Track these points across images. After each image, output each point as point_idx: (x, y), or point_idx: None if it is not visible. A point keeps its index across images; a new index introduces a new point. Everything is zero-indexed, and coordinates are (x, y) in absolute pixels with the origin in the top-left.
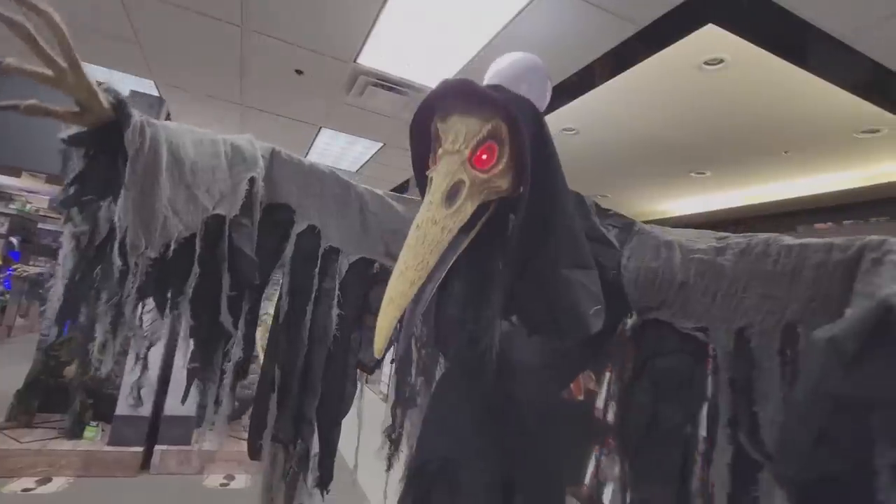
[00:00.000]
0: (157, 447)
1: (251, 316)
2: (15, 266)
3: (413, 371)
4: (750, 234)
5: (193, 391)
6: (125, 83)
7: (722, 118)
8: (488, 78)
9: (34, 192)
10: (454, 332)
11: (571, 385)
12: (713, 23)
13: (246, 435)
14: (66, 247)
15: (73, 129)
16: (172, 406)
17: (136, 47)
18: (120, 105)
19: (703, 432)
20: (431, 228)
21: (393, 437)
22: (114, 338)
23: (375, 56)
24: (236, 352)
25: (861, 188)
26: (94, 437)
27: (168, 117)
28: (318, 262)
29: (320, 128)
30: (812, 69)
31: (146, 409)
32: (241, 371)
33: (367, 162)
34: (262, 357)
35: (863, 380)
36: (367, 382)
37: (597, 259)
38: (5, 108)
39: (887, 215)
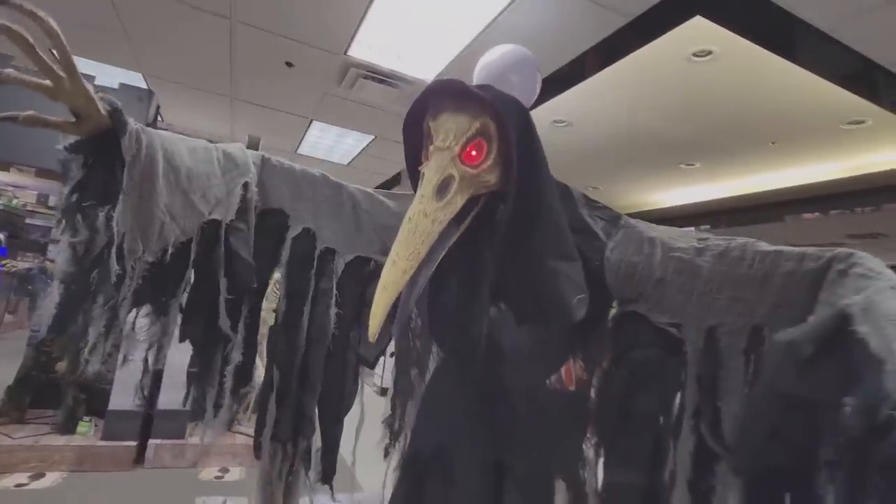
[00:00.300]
0: (151, 441)
1: (251, 320)
2: (3, 262)
3: (411, 362)
4: (730, 237)
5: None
6: (113, 76)
7: (711, 110)
8: (479, 70)
9: (21, 187)
10: (446, 320)
11: (563, 375)
12: (701, 14)
13: (240, 428)
14: (64, 256)
15: (72, 139)
16: (166, 400)
17: (123, 39)
18: (116, 113)
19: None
20: (423, 220)
21: (394, 428)
22: (105, 340)
23: (366, 48)
24: (236, 356)
25: (847, 178)
26: (87, 433)
27: (158, 111)
28: (315, 263)
29: (311, 120)
30: (798, 61)
31: (139, 404)
32: (244, 375)
33: (358, 154)
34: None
35: (813, 382)
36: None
37: (581, 250)
38: (4, 120)
39: (872, 205)
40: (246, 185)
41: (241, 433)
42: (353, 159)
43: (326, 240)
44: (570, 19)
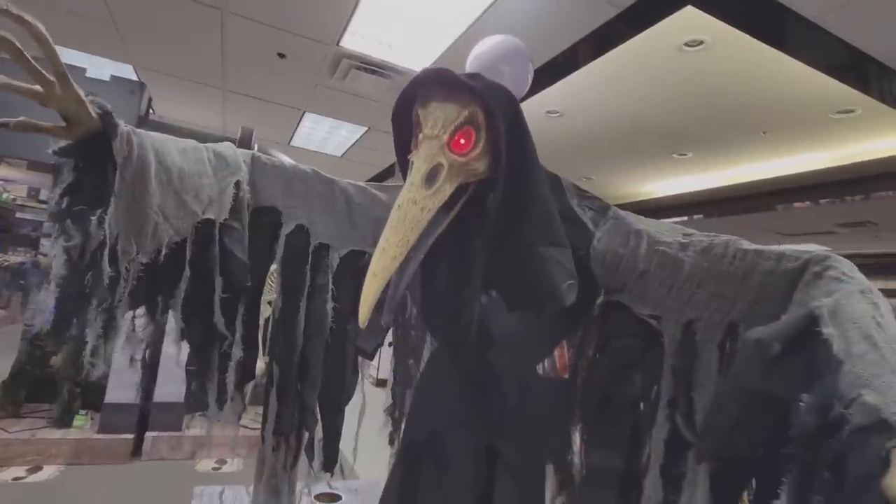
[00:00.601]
0: (148, 434)
1: (249, 317)
2: None
3: (409, 353)
4: (714, 234)
5: (182, 376)
6: (104, 68)
7: (703, 99)
8: (470, 60)
9: (11, 181)
10: (437, 308)
11: (557, 363)
12: (692, 4)
13: (239, 421)
14: (59, 260)
15: (62, 143)
16: (162, 392)
17: (114, 30)
18: (106, 115)
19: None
20: (412, 208)
21: (395, 416)
22: (105, 342)
23: (358, 39)
24: (237, 352)
25: (837, 167)
26: (83, 426)
27: (150, 103)
28: (309, 259)
29: (304, 112)
30: (789, 51)
31: (135, 396)
32: (247, 371)
33: (351, 146)
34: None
35: (777, 379)
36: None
37: (568, 239)
38: None
39: (861, 193)
40: (238, 184)
41: (238, 425)
42: (346, 151)
43: (320, 235)
44: (561, 9)
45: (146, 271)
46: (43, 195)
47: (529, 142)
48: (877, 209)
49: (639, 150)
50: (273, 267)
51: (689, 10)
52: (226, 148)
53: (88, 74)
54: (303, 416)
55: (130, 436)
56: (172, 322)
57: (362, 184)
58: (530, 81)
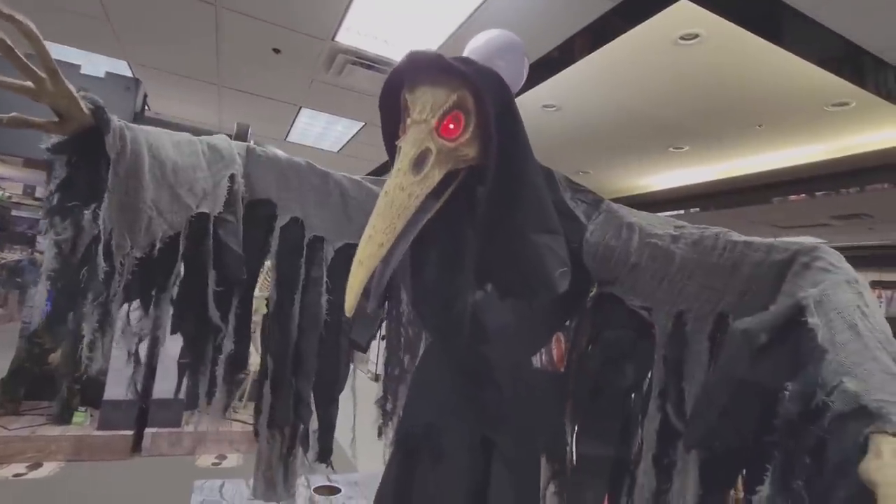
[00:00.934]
0: (148, 430)
1: (242, 310)
2: None
3: (401, 346)
4: (705, 226)
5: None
6: (98, 64)
7: (698, 93)
8: (466, 54)
9: (6, 179)
10: (429, 297)
11: (554, 356)
12: None
13: (237, 416)
14: (49, 254)
15: (55, 139)
16: (161, 389)
17: (107, 26)
18: (99, 111)
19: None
20: (399, 194)
21: (387, 409)
22: (102, 336)
23: (354, 34)
24: (227, 345)
25: (832, 160)
26: (82, 423)
27: (145, 100)
28: (304, 252)
29: (300, 107)
30: (783, 44)
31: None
32: (237, 364)
33: (348, 142)
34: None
35: (764, 368)
36: (355, 363)
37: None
38: None
39: (857, 186)
40: (232, 177)
41: (237, 420)
42: (343, 146)
43: (315, 228)
44: (557, 3)
45: (140, 265)
46: (39, 193)
47: (521, 128)
48: (871, 201)
49: (635, 143)
50: (267, 264)
51: (684, 4)
52: (220, 140)
53: (83, 71)
54: (297, 407)
55: (130, 432)
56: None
57: (357, 177)
58: (525, 75)
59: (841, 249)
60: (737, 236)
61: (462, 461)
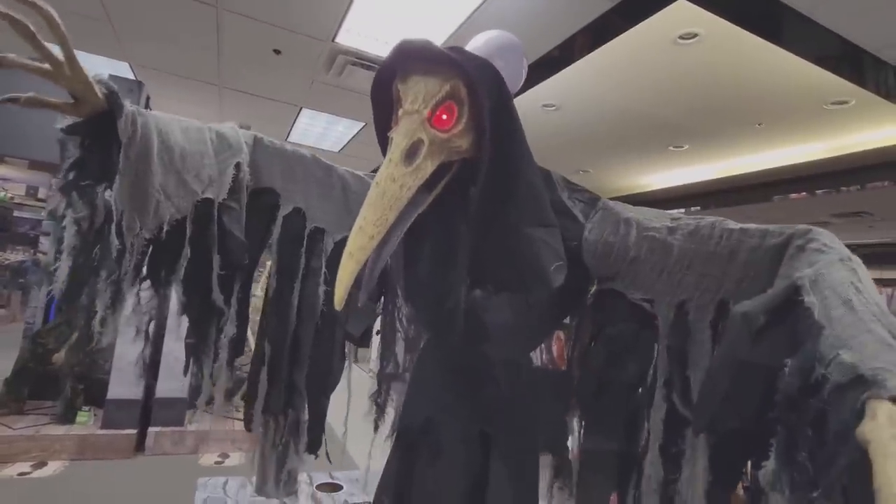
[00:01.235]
0: (151, 429)
1: (243, 294)
2: None
3: (398, 342)
4: (700, 216)
5: (190, 370)
6: (99, 66)
7: (698, 92)
8: None
9: (8, 180)
10: (422, 292)
11: (555, 354)
12: None
13: (238, 415)
14: (69, 231)
15: (69, 120)
16: (164, 388)
17: (109, 28)
18: (112, 96)
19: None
20: (391, 186)
21: (379, 402)
22: (113, 313)
23: (354, 35)
24: (230, 328)
25: (832, 158)
26: (86, 422)
27: (148, 101)
28: (304, 242)
29: (301, 108)
30: (781, 43)
31: (138, 392)
32: (237, 346)
33: (349, 142)
34: (253, 338)
35: (764, 349)
36: (356, 362)
37: (560, 231)
38: (5, 102)
39: (857, 184)
40: (238, 165)
41: (238, 419)
42: (344, 146)
43: (316, 220)
44: (556, 3)
45: (149, 247)
46: (41, 193)
47: (516, 120)
48: (872, 199)
49: (635, 142)
50: (267, 264)
51: (682, 3)
52: (228, 129)
53: None
54: (290, 395)
55: (133, 431)
56: (174, 322)
57: (360, 172)
58: (524, 76)
59: None
60: (732, 224)
61: (460, 456)
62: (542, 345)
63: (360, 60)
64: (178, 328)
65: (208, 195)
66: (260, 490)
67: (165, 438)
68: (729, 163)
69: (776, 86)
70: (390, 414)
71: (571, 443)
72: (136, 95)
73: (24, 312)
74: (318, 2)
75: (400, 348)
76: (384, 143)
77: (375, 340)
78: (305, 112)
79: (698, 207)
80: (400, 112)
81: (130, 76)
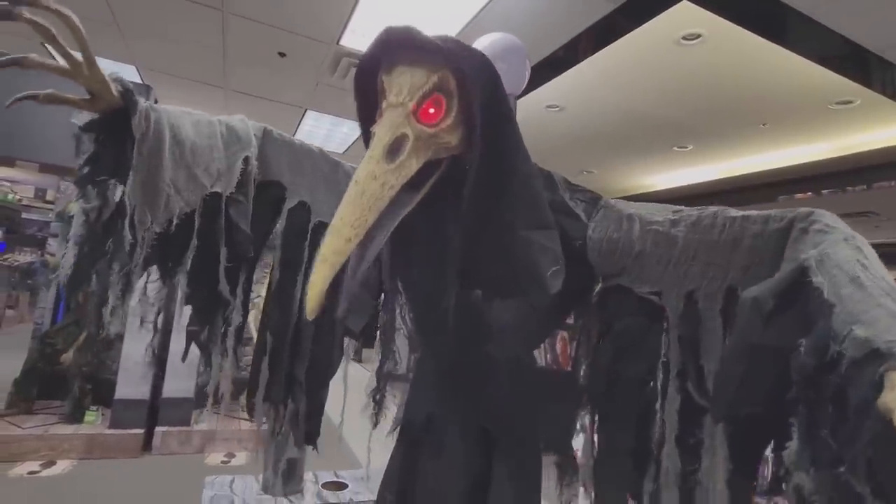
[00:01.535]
0: (158, 429)
1: (247, 286)
2: (5, 257)
3: (399, 338)
4: (703, 207)
5: (193, 371)
6: (107, 69)
7: (702, 92)
8: None
9: (17, 182)
10: (413, 296)
11: (559, 355)
12: None
13: (244, 415)
14: (77, 220)
15: (85, 116)
16: (170, 388)
17: (115, 31)
18: (127, 93)
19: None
20: (371, 184)
21: (377, 399)
22: (122, 303)
23: (358, 37)
24: (235, 318)
25: (838, 158)
26: (94, 421)
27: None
28: (309, 236)
29: (306, 110)
30: (785, 44)
31: (145, 392)
32: (240, 336)
33: (353, 143)
34: (254, 335)
35: (777, 331)
36: (360, 361)
37: (565, 231)
38: (24, 99)
39: (863, 184)
40: (247, 159)
41: (244, 419)
42: (348, 148)
43: (321, 213)
44: (560, 4)
45: (159, 240)
46: (49, 196)
47: (509, 114)
48: (878, 199)
49: (639, 143)
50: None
51: (686, 4)
52: (238, 122)
53: None
54: (290, 386)
55: (141, 431)
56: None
57: None
58: (527, 78)
59: None
60: (734, 212)
61: (462, 454)
62: (547, 345)
63: None
64: (185, 329)
65: (217, 189)
66: (266, 488)
67: (172, 438)
68: (733, 163)
69: (780, 86)
70: (392, 410)
71: (583, 442)
72: (144, 98)
73: (32, 313)
74: (322, 4)
75: (401, 345)
76: (368, 138)
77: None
78: (310, 114)
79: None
80: (384, 104)
81: (137, 79)
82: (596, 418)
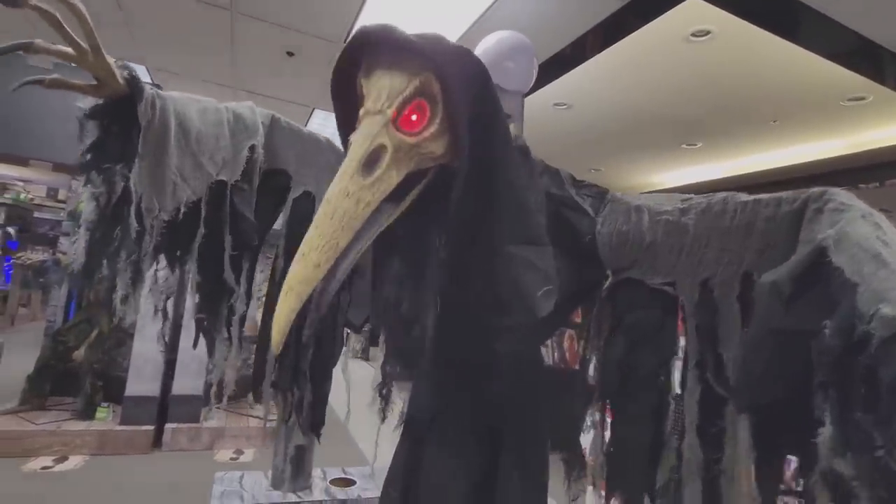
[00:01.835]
0: (168, 425)
1: (250, 274)
2: (18, 255)
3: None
4: (711, 193)
5: (202, 369)
6: None
7: (711, 89)
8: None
9: (29, 181)
10: (388, 315)
11: (567, 354)
12: None
13: (252, 412)
14: (88, 207)
15: (90, 101)
16: (180, 386)
17: (126, 32)
18: (133, 80)
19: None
20: (343, 202)
21: (383, 394)
22: (134, 291)
23: None
24: (239, 307)
25: (850, 155)
26: (105, 418)
27: None
28: None
29: (313, 109)
30: (795, 39)
31: (155, 390)
32: (243, 323)
33: None
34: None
35: (799, 314)
36: (367, 360)
37: (574, 227)
38: (30, 83)
39: (876, 181)
40: (252, 148)
41: (253, 416)
42: None
43: None
44: (568, 1)
45: (167, 228)
46: (61, 195)
47: (499, 119)
48: (891, 196)
49: (647, 140)
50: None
51: (694, 1)
52: (246, 110)
53: None
54: (295, 375)
55: (151, 427)
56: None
57: None
58: (535, 76)
59: None
60: (745, 196)
61: (467, 450)
62: (554, 343)
63: None
64: (192, 284)
65: (222, 177)
66: (276, 484)
67: (182, 434)
68: (743, 161)
69: (791, 82)
70: (399, 406)
71: (592, 439)
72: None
73: (44, 311)
74: (330, 3)
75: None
76: (347, 148)
77: None
78: (318, 113)
79: None
80: (361, 111)
81: (148, 80)
82: (608, 414)
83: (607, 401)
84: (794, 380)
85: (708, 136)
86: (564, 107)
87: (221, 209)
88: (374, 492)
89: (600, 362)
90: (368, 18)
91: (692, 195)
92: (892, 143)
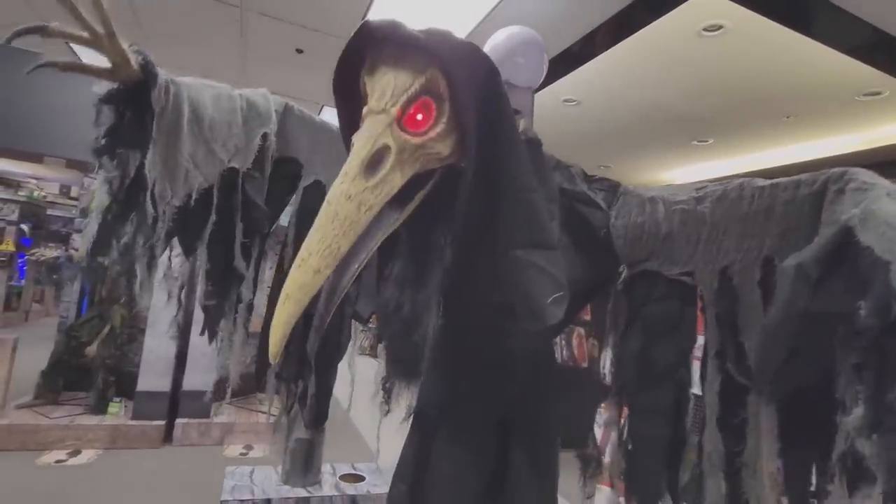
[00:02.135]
0: (179, 420)
1: (258, 261)
2: (32, 252)
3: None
4: (726, 180)
5: (212, 365)
6: None
7: (723, 84)
8: (485, 51)
9: (42, 178)
10: (390, 318)
11: (576, 352)
12: None
13: (261, 408)
14: (101, 190)
15: (106, 86)
16: (191, 381)
17: (137, 29)
18: (148, 65)
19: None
20: (345, 206)
21: (387, 388)
22: (149, 276)
23: None
24: (246, 294)
25: (865, 151)
26: (117, 413)
27: None
28: None
29: (322, 106)
30: (809, 33)
31: (166, 385)
32: (251, 310)
33: None
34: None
35: (827, 297)
36: (376, 357)
37: (588, 221)
38: (44, 66)
39: (892, 176)
40: (265, 136)
41: (262, 412)
42: None
43: None
44: None
45: (179, 214)
46: (74, 192)
47: (508, 118)
48: None
49: (658, 137)
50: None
51: None
52: (259, 96)
53: None
54: (300, 366)
55: (162, 422)
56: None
57: None
58: (545, 72)
59: None
60: (761, 181)
61: (477, 444)
62: (563, 341)
63: None
64: (202, 274)
65: (234, 164)
66: (286, 479)
67: (192, 429)
68: (756, 157)
69: (805, 77)
70: (406, 400)
71: (610, 437)
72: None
73: (57, 307)
74: (339, 1)
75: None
76: (350, 148)
77: None
78: (327, 110)
79: None
80: (364, 110)
81: None
82: (625, 410)
83: (624, 397)
84: (818, 364)
85: (719, 133)
86: (574, 103)
87: (233, 196)
88: (384, 488)
89: (617, 357)
90: (377, 15)
91: (706, 183)
92: None
